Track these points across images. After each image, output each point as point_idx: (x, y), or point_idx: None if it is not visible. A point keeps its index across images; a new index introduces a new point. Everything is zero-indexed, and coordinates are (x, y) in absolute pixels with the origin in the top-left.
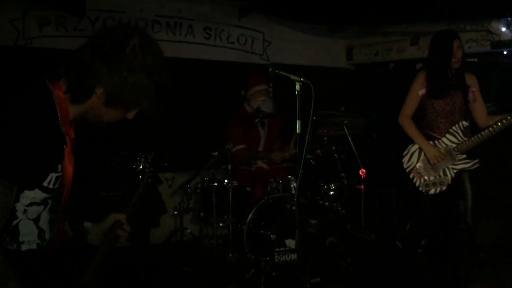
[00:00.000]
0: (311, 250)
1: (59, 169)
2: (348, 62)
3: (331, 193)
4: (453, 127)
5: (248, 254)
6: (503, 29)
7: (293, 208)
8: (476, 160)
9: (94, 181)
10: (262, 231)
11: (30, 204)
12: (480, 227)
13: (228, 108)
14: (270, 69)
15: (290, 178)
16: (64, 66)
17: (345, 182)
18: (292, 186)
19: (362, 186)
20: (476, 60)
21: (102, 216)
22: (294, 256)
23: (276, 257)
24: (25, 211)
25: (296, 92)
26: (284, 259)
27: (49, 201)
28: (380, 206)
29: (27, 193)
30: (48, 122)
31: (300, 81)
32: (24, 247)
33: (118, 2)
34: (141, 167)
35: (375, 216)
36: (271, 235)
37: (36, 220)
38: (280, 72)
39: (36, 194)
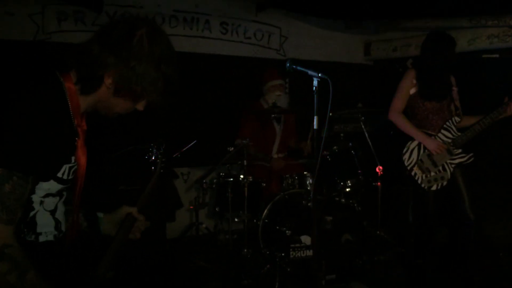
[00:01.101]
0: (326, 247)
1: (73, 161)
2: (365, 57)
3: (347, 189)
4: (447, 123)
5: (263, 250)
6: None
7: (308, 204)
8: (471, 154)
9: (108, 173)
10: (277, 227)
11: (46, 195)
12: (499, 227)
13: (245, 103)
14: (288, 65)
15: (306, 174)
16: (74, 58)
17: (362, 179)
18: (308, 182)
19: (379, 183)
20: (497, 56)
21: (115, 208)
22: (309, 253)
23: (291, 253)
24: (41, 203)
25: (314, 87)
26: (299, 255)
27: (64, 193)
28: (396, 203)
29: (42, 184)
30: (60, 114)
31: (318, 77)
32: (42, 238)
33: None
34: (153, 158)
35: (391, 214)
36: (287, 231)
37: (53, 212)
38: (298, 68)
39: (51, 186)
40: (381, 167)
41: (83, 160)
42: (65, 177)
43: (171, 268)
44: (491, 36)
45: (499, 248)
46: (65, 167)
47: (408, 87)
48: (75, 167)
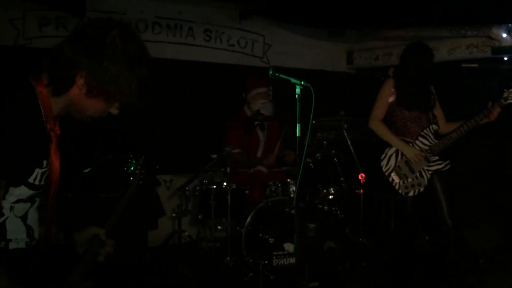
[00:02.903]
0: (309, 254)
1: (45, 165)
2: (348, 66)
3: (330, 197)
4: (425, 130)
5: (246, 258)
6: (504, 35)
7: (292, 211)
8: (448, 161)
9: (87, 181)
10: (260, 235)
11: (17, 201)
12: (479, 234)
13: (228, 110)
14: (271, 72)
15: (289, 181)
16: (46, 60)
17: (344, 186)
18: (291, 189)
19: (361, 191)
20: (476, 66)
21: (92, 219)
22: (292, 260)
23: (274, 260)
24: (11, 208)
25: (297, 95)
26: (282, 263)
27: (37, 199)
28: (379, 210)
29: (12, 190)
30: (31, 119)
31: (301, 84)
32: (12, 245)
33: (119, 3)
34: (132, 169)
35: (374, 221)
36: (270, 239)
37: (24, 218)
38: (281, 75)
39: (22, 191)
40: (363, 175)
41: (56, 164)
42: (36, 182)
43: (153, 276)
44: (470, 46)
45: (479, 254)
46: (37, 171)
47: (387, 95)
48: (47, 172)
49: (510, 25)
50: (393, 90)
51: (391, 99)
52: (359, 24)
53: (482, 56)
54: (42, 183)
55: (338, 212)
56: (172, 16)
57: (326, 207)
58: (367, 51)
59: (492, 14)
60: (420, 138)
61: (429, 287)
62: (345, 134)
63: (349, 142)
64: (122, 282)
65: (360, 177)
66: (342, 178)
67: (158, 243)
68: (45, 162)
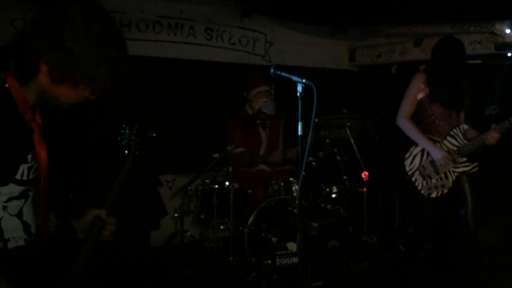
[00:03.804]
0: (312, 253)
1: (29, 160)
2: (350, 63)
3: (333, 195)
4: (454, 130)
5: (249, 257)
6: (507, 30)
7: (294, 210)
8: (476, 164)
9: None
10: (263, 234)
11: (9, 200)
12: (484, 232)
13: (230, 109)
14: (272, 70)
15: (291, 180)
16: (10, 49)
17: (348, 185)
18: (293, 188)
19: (364, 189)
20: (480, 62)
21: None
22: (295, 259)
23: (277, 260)
24: (5, 208)
25: (298, 93)
26: (285, 262)
27: (30, 193)
28: (382, 209)
29: (2, 189)
30: (6, 113)
31: (302, 83)
32: (11, 245)
33: (119, 2)
34: (126, 141)
35: (378, 219)
36: (273, 238)
37: (19, 215)
38: (282, 73)
39: (12, 189)
40: (366, 173)
41: (43, 155)
42: (24, 178)
43: (156, 277)
44: (473, 42)
45: (484, 252)
46: (23, 167)
47: (417, 92)
48: (35, 165)
49: None
50: (422, 86)
51: (420, 95)
52: (361, 21)
53: (485, 52)
54: (32, 176)
55: (341, 210)
56: (173, 15)
57: (329, 206)
58: (369, 48)
59: (495, 9)
60: (448, 138)
61: (434, 286)
62: (348, 132)
63: (351, 140)
64: (125, 282)
65: (363, 175)
66: (345, 177)
67: (160, 243)
68: (29, 157)
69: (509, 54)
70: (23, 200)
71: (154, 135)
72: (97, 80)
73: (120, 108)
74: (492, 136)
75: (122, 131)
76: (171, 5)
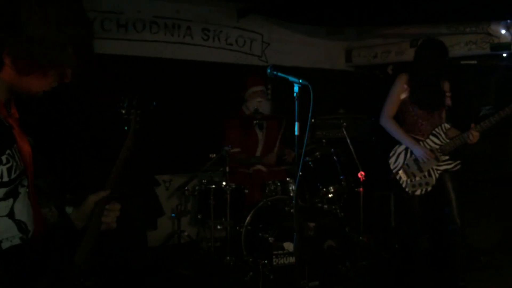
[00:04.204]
0: (309, 253)
1: (4, 161)
2: (347, 64)
3: (329, 195)
4: (436, 129)
5: (246, 257)
6: (503, 31)
7: (291, 210)
8: (458, 162)
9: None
10: (260, 234)
11: None
12: (480, 231)
13: (227, 110)
14: (269, 71)
15: (288, 180)
16: None
17: (344, 185)
18: (290, 188)
19: (361, 189)
20: (475, 62)
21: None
22: (292, 259)
23: (274, 260)
24: None
25: (295, 94)
26: (282, 262)
27: (20, 190)
28: (378, 208)
29: None
30: None
31: (299, 83)
32: (5, 245)
33: (116, 2)
34: (125, 114)
35: (374, 219)
36: (269, 238)
37: (11, 215)
38: (279, 74)
39: None
40: (363, 173)
41: (26, 148)
42: (5, 179)
43: (153, 277)
44: (469, 42)
45: (480, 252)
46: (1, 169)
47: (399, 91)
48: (15, 163)
49: (509, 21)
50: (405, 86)
51: (403, 95)
52: (357, 21)
53: (481, 53)
54: (15, 175)
55: (338, 210)
56: (169, 16)
57: (325, 206)
58: (365, 49)
59: (491, 10)
60: (431, 137)
61: (430, 286)
62: (344, 132)
63: (348, 140)
64: (122, 283)
65: (359, 175)
66: (341, 177)
67: (157, 243)
68: (4, 158)
69: (504, 55)
70: (11, 200)
71: (155, 104)
72: (65, 64)
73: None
74: (473, 135)
75: (121, 103)
76: (168, 6)
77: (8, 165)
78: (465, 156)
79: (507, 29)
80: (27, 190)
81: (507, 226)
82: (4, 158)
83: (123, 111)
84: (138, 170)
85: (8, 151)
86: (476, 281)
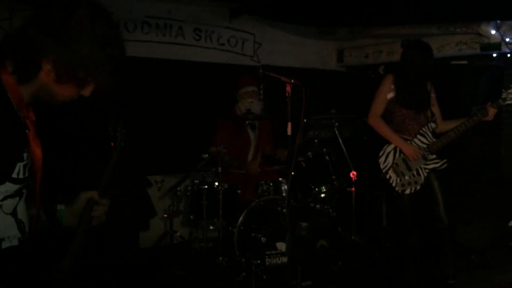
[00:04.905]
0: (302, 253)
1: (25, 158)
2: (338, 64)
3: (322, 195)
4: (423, 128)
5: (238, 258)
6: (493, 31)
7: (284, 210)
8: (445, 160)
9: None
10: (252, 234)
11: (4, 198)
12: (470, 230)
13: (219, 110)
14: (261, 71)
15: (281, 180)
16: (8, 45)
17: (336, 185)
18: (283, 188)
19: (353, 189)
20: (466, 62)
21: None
22: (285, 259)
23: (267, 260)
24: (0, 207)
25: (287, 94)
26: (275, 262)
27: (24, 191)
28: (370, 208)
29: None
30: (2, 111)
31: (291, 83)
32: (5, 244)
33: (107, 2)
34: (112, 132)
35: (366, 219)
36: (262, 238)
37: (14, 213)
38: (271, 74)
39: (8, 187)
40: (355, 172)
41: (38, 152)
42: (20, 176)
43: (145, 278)
44: (459, 43)
45: (471, 251)
46: (19, 165)
47: (386, 91)
48: (30, 163)
49: (498, 21)
50: (392, 86)
51: (390, 95)
52: (349, 22)
53: (471, 53)
54: (27, 175)
55: (330, 210)
56: (161, 16)
57: (318, 206)
58: (357, 49)
59: (481, 11)
60: (418, 136)
61: (422, 284)
62: (336, 132)
63: (340, 140)
64: (114, 283)
65: (351, 175)
66: (333, 177)
67: (150, 244)
68: (25, 155)
69: (494, 55)
70: (17, 198)
71: (137, 125)
72: (100, 80)
73: (109, 108)
74: (492, 111)
75: (108, 122)
76: (160, 6)
77: (24, 163)
78: (457, 157)
79: (497, 30)
80: (27, 192)
81: (498, 225)
82: (25, 155)
83: (110, 128)
84: (130, 171)
85: (26, 150)
86: (467, 279)
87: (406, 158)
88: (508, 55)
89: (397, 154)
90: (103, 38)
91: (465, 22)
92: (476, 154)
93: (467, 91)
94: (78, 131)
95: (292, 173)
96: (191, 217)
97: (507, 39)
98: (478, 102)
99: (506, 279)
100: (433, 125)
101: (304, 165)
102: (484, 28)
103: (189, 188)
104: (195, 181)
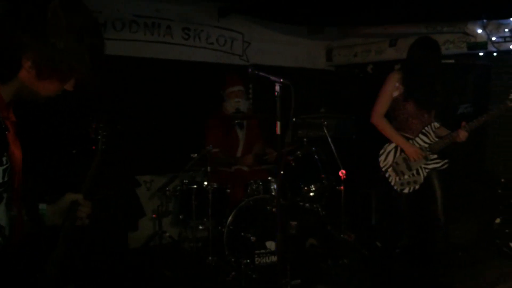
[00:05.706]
0: (291, 252)
1: (4, 162)
2: (327, 63)
3: (311, 194)
4: (426, 128)
5: (228, 257)
6: (479, 30)
7: (273, 210)
8: (446, 160)
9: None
10: (242, 234)
11: None
12: (458, 227)
13: (208, 109)
14: (250, 70)
15: (270, 179)
16: None
17: (325, 183)
18: (272, 187)
19: (342, 187)
20: (453, 61)
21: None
22: (274, 258)
23: (256, 259)
24: None
25: (276, 93)
26: (264, 261)
27: (4, 195)
28: (359, 206)
29: None
30: None
31: (280, 82)
32: None
33: (95, 1)
34: (94, 135)
35: (355, 217)
36: (251, 237)
37: None
38: (260, 73)
39: None
40: (344, 171)
41: (17, 154)
42: (0, 180)
43: (134, 279)
44: (447, 42)
45: (458, 248)
46: None
47: (392, 90)
48: (9, 166)
49: (485, 21)
50: (397, 84)
51: (395, 93)
52: (337, 21)
53: (458, 52)
54: (6, 178)
55: (319, 209)
56: (149, 15)
57: (307, 205)
58: (346, 48)
59: (467, 10)
60: (420, 135)
61: (411, 282)
62: (325, 131)
63: (329, 139)
64: (103, 285)
65: (340, 174)
66: (323, 175)
67: (138, 244)
68: (4, 159)
69: (481, 54)
70: None
71: (119, 127)
72: (82, 71)
73: (95, 109)
74: (462, 134)
75: (89, 124)
76: (148, 4)
77: (4, 167)
78: (444, 154)
79: (483, 29)
80: (8, 196)
81: (484, 222)
82: (4, 159)
83: (91, 131)
84: (118, 171)
85: (5, 153)
86: (455, 276)
87: (407, 157)
88: (495, 54)
89: (398, 153)
90: (80, 29)
91: (452, 22)
92: (461, 151)
93: (454, 89)
94: (61, 131)
95: (282, 172)
96: (181, 217)
97: (493, 38)
98: (465, 100)
99: (494, 275)
100: (436, 124)
101: (293, 164)
102: (470, 27)
103: (178, 188)
104: (184, 180)
